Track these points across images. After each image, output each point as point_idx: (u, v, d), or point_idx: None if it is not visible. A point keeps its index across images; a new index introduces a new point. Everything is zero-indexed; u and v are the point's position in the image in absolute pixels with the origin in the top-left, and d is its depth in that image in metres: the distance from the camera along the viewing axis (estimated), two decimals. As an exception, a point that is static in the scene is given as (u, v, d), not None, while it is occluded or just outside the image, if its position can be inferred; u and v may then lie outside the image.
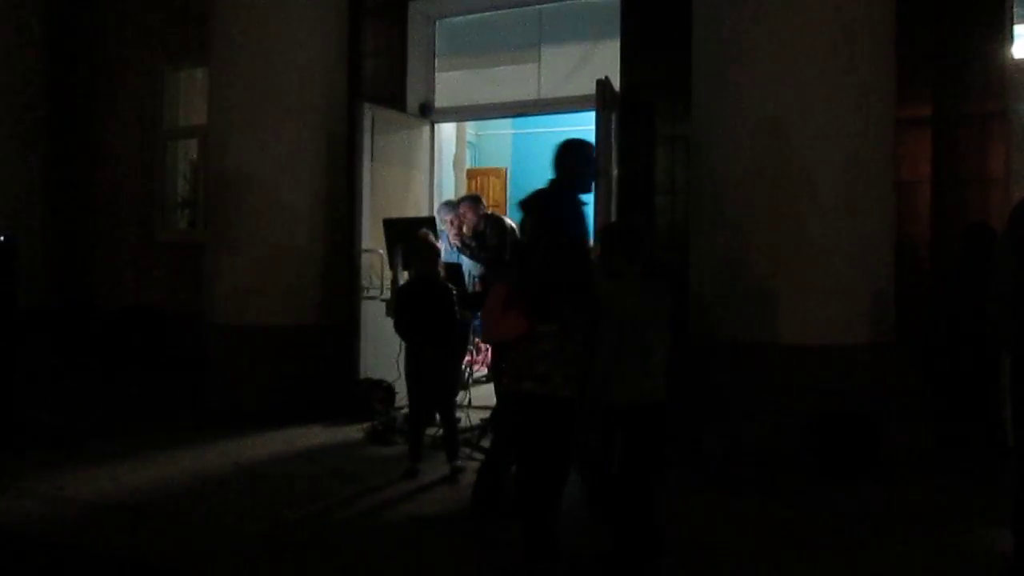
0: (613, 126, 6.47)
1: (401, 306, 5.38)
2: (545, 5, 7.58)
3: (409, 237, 6.29)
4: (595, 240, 4.71)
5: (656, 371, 3.68)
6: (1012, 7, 5.92)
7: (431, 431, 5.57)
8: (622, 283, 3.75)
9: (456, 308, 5.26)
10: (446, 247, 6.70)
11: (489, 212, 7.38)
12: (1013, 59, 5.95)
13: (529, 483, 3.64)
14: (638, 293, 3.73)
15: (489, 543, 3.97)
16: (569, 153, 4.34)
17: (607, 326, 3.66)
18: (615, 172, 6.48)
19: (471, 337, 6.98)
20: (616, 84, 6.63)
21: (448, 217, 7.12)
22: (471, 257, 7.04)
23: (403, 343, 5.35)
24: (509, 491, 4.15)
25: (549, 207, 4.22)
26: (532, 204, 4.29)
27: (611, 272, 3.82)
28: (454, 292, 5.32)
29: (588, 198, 4.56)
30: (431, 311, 5.18)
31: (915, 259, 5.86)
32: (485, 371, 7.67)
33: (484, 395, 6.91)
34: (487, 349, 7.16)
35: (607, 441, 3.85)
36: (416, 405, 5.30)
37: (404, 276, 6.48)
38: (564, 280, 3.58)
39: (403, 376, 5.42)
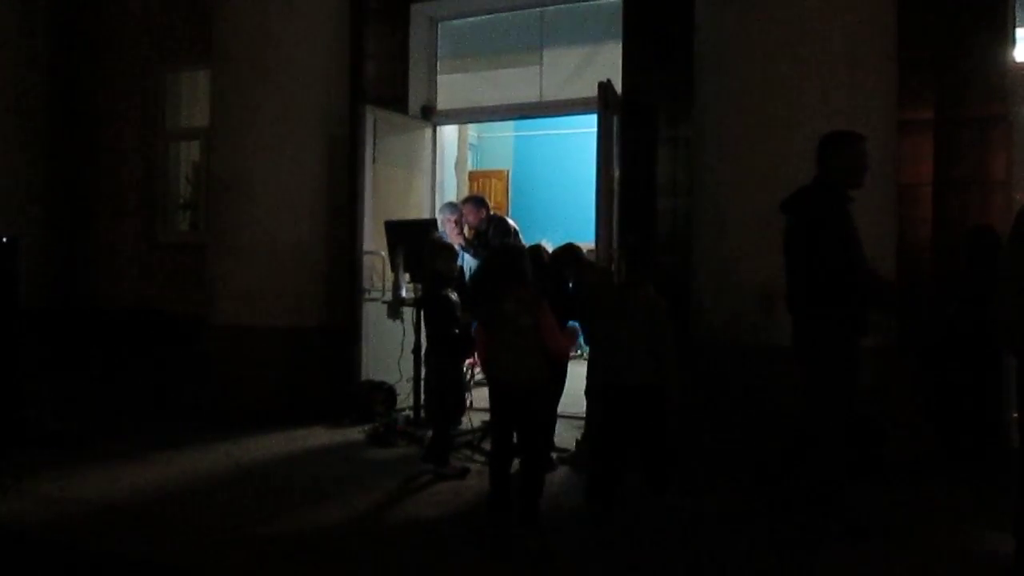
0: (615, 128, 6.48)
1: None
2: (547, 7, 7.58)
3: (410, 239, 6.30)
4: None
5: (639, 358, 4.19)
6: (1014, 10, 5.92)
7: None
8: (609, 287, 4.37)
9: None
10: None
11: (493, 213, 7.42)
12: (1015, 62, 5.95)
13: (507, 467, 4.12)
14: (619, 294, 4.25)
15: (491, 544, 3.96)
16: (831, 146, 4.06)
17: (597, 325, 4.26)
18: (616, 174, 6.48)
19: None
20: (618, 86, 6.64)
21: (452, 217, 7.14)
22: (474, 255, 7.04)
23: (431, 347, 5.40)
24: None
25: (810, 208, 4.01)
26: (793, 204, 4.10)
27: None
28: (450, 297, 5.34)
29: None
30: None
31: (917, 262, 5.85)
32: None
33: (486, 397, 6.90)
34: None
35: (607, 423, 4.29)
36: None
37: (406, 278, 6.49)
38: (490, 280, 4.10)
39: (421, 380, 5.61)
